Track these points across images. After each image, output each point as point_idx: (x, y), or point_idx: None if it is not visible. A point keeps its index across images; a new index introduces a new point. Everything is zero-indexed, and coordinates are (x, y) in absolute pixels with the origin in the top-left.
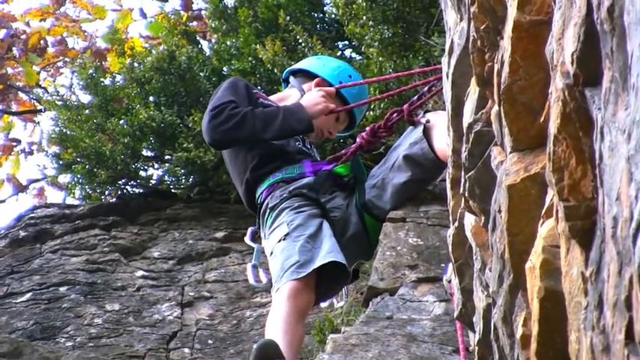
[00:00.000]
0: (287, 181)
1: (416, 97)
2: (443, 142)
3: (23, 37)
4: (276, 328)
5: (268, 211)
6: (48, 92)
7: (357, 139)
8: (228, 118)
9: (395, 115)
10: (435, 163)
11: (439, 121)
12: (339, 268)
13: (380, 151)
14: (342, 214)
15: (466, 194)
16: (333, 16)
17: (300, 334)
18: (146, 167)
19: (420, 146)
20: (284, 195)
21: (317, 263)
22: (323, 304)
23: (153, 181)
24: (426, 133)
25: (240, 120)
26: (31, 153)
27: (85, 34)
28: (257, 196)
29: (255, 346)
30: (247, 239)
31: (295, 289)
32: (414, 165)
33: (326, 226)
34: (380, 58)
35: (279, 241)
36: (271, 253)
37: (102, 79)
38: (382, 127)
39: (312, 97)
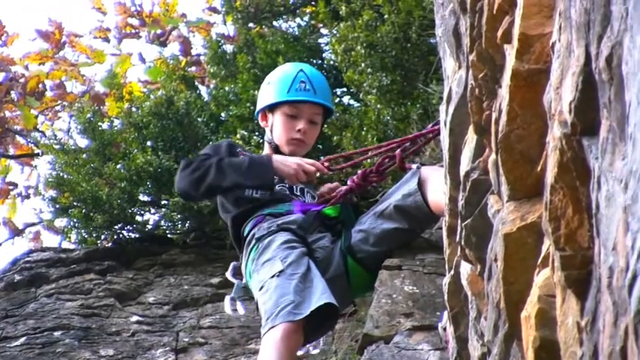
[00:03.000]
0: (275, 215)
1: (408, 143)
2: (437, 196)
3: (22, 80)
4: None
5: (254, 241)
6: (45, 136)
7: (348, 182)
8: (195, 169)
9: (387, 160)
10: (427, 215)
11: (434, 175)
12: (328, 310)
13: (376, 198)
14: (326, 254)
15: (462, 242)
16: (331, 62)
17: None
18: (143, 212)
19: (413, 198)
20: (272, 228)
21: (313, 305)
22: (299, 352)
23: (149, 226)
24: (420, 187)
25: (205, 170)
26: (27, 197)
27: (84, 78)
28: (242, 228)
29: None
30: (229, 274)
31: (290, 331)
32: (405, 216)
33: (313, 265)
34: (378, 105)
35: (273, 276)
36: (261, 288)
37: (100, 124)
38: (373, 172)
39: (288, 162)
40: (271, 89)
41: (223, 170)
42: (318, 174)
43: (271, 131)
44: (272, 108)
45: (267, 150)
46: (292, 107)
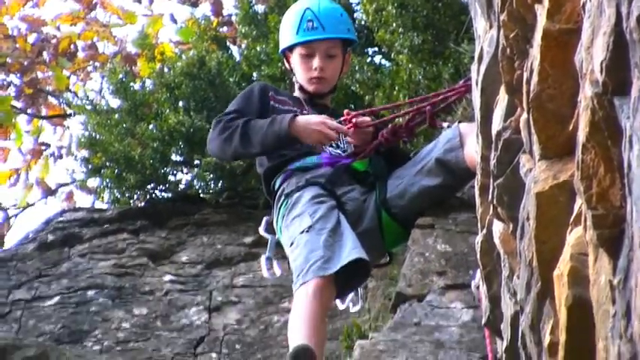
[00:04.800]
0: (303, 169)
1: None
2: (474, 153)
3: (53, 41)
4: (303, 328)
5: (283, 197)
6: (78, 96)
7: (378, 136)
8: (223, 130)
9: (417, 116)
10: (465, 172)
11: (470, 131)
12: (359, 264)
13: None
14: (356, 206)
15: (494, 202)
16: (363, 22)
17: (325, 332)
18: (175, 172)
19: (455, 154)
20: (300, 183)
21: (343, 260)
22: (341, 306)
23: (182, 186)
24: (461, 143)
25: (232, 132)
26: (60, 157)
27: (115, 38)
28: (273, 182)
29: (290, 353)
30: (261, 230)
31: (321, 286)
32: (446, 171)
33: (343, 218)
34: (409, 65)
35: (302, 232)
36: (292, 244)
37: (131, 84)
38: (403, 128)
39: (309, 128)
40: (284, 32)
41: (248, 136)
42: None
43: (295, 73)
44: (290, 49)
45: (296, 91)
46: (305, 47)
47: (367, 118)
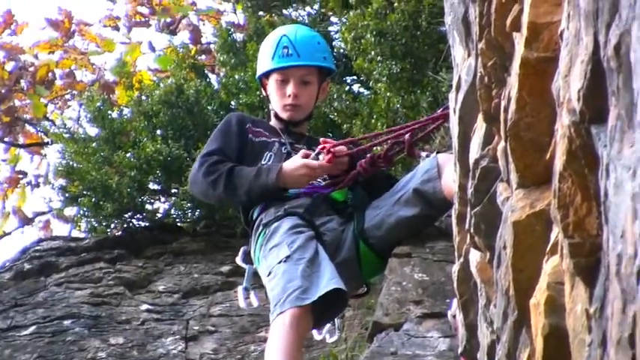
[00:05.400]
0: (281, 199)
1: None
2: (450, 182)
3: (31, 69)
4: (280, 358)
5: (262, 227)
6: (55, 125)
7: (357, 167)
8: (208, 173)
9: (396, 146)
10: (443, 202)
11: (448, 161)
12: (337, 295)
13: None
14: (335, 237)
15: (472, 230)
16: (341, 50)
17: None
18: (152, 200)
19: (433, 184)
20: (279, 213)
21: (321, 290)
22: (317, 337)
23: (159, 215)
24: (438, 173)
25: (217, 178)
26: (37, 185)
27: (94, 66)
28: (251, 212)
29: None
30: (239, 260)
31: (298, 316)
32: (423, 201)
33: (321, 249)
34: (388, 93)
35: (280, 262)
36: (269, 273)
37: (109, 112)
38: (382, 158)
39: (296, 167)
40: (262, 58)
41: (233, 185)
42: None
43: (270, 99)
44: (266, 76)
45: (272, 119)
46: (280, 73)
47: (344, 147)
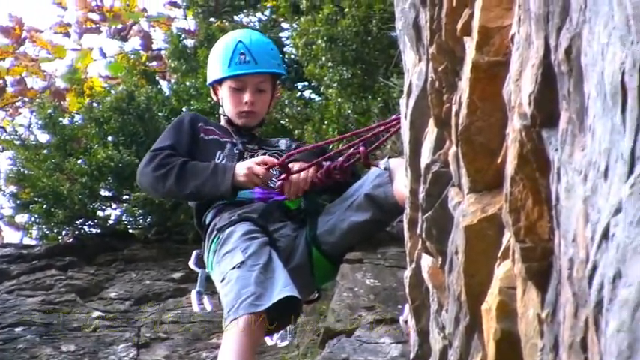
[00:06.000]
0: (235, 204)
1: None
2: (402, 187)
3: None
4: None
5: (215, 232)
6: (6, 132)
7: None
8: (158, 167)
9: (351, 157)
10: (394, 206)
11: (400, 166)
12: (291, 301)
13: None
14: (288, 243)
15: (423, 235)
16: (292, 56)
17: None
18: (104, 207)
19: (384, 189)
20: (233, 218)
21: (275, 297)
22: (269, 342)
23: (110, 221)
24: (390, 179)
25: (168, 171)
26: None
27: (45, 73)
28: (204, 216)
29: None
30: (191, 263)
31: (252, 322)
32: (375, 206)
33: (275, 255)
34: (339, 99)
35: (234, 268)
36: (223, 279)
37: (60, 119)
38: (338, 169)
39: (244, 167)
40: (214, 64)
41: (185, 178)
42: (273, 169)
43: (222, 105)
44: (219, 82)
45: (223, 122)
46: (236, 80)
47: (299, 165)
